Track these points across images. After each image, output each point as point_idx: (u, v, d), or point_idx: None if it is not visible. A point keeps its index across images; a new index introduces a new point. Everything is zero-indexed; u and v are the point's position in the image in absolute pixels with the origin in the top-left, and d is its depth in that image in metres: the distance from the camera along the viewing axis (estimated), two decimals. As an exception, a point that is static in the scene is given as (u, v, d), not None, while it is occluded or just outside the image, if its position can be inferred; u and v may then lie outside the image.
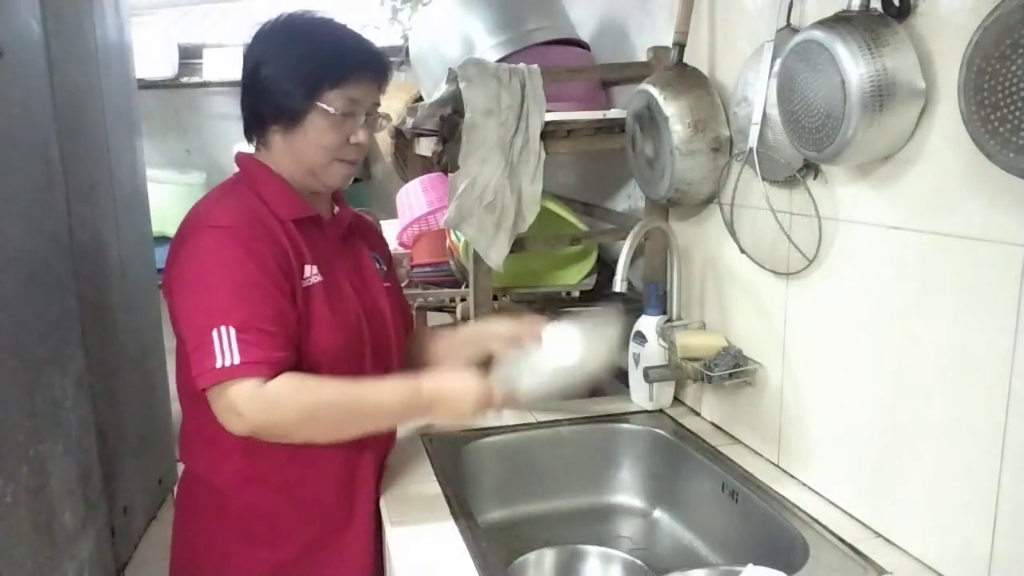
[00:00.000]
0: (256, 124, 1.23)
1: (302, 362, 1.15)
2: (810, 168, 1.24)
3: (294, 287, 1.15)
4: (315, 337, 1.17)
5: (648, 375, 1.55)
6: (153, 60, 2.77)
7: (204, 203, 1.20)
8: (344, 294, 1.23)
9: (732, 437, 1.53)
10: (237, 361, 1.05)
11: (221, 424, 1.09)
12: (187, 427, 1.28)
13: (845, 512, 1.23)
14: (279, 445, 1.14)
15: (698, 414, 1.65)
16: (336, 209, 1.33)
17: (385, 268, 1.39)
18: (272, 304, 1.10)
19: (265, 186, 1.21)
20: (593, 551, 1.33)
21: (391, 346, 1.32)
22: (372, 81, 1.21)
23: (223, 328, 1.06)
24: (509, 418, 1.55)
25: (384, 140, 2.53)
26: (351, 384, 1.12)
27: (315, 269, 1.19)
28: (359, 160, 1.25)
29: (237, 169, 1.27)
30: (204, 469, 1.26)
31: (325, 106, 1.16)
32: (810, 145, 1.12)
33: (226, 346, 1.05)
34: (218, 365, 1.05)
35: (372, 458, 1.32)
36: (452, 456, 1.45)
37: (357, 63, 1.19)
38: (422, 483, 1.36)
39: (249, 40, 1.21)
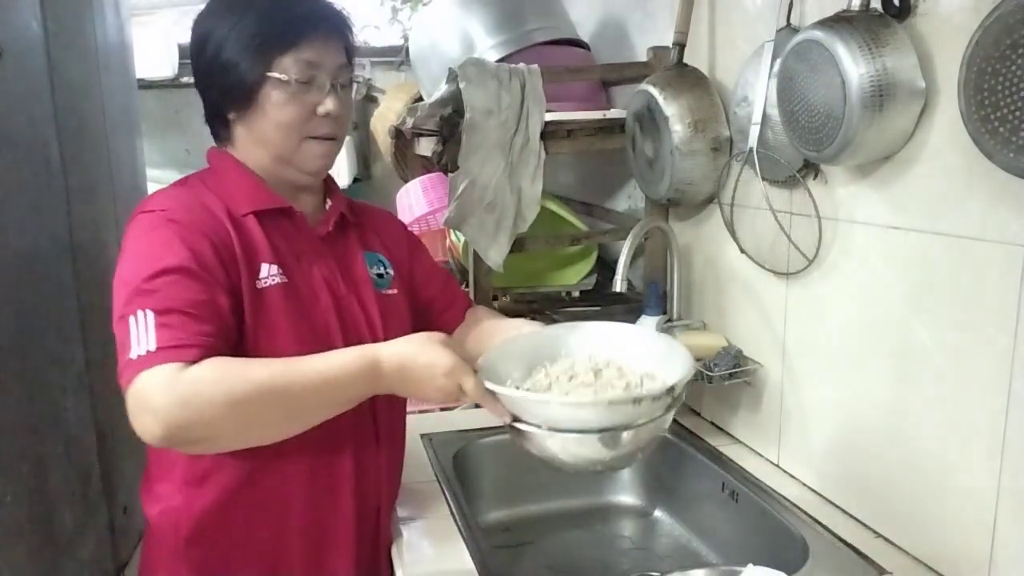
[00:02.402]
0: (214, 116, 1.10)
1: None
2: (810, 168, 1.24)
3: (236, 283, 0.99)
4: (267, 349, 0.98)
5: (648, 375, 1.55)
6: (153, 60, 2.77)
7: (145, 199, 1.06)
8: (315, 301, 1.06)
9: (732, 437, 1.53)
10: (153, 347, 0.86)
11: (140, 433, 0.86)
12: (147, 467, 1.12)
13: (845, 512, 1.23)
14: (231, 466, 1.02)
15: (698, 414, 1.65)
16: (329, 203, 1.18)
17: (391, 272, 1.20)
18: (202, 290, 0.93)
19: (223, 178, 1.08)
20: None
21: None
22: (330, 41, 1.06)
23: (140, 313, 0.88)
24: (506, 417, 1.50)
25: (384, 140, 2.52)
26: (289, 361, 0.90)
27: (275, 269, 1.03)
28: (339, 134, 1.10)
29: None
30: (153, 514, 1.09)
31: (278, 75, 1.01)
32: (810, 145, 1.12)
33: (143, 332, 0.87)
34: (132, 356, 0.86)
35: (349, 464, 1.12)
36: (452, 456, 1.45)
37: (309, 22, 1.04)
38: (422, 483, 1.36)
39: (193, 22, 1.08)
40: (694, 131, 1.43)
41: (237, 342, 0.97)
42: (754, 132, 1.30)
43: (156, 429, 0.83)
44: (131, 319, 0.88)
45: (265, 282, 1.02)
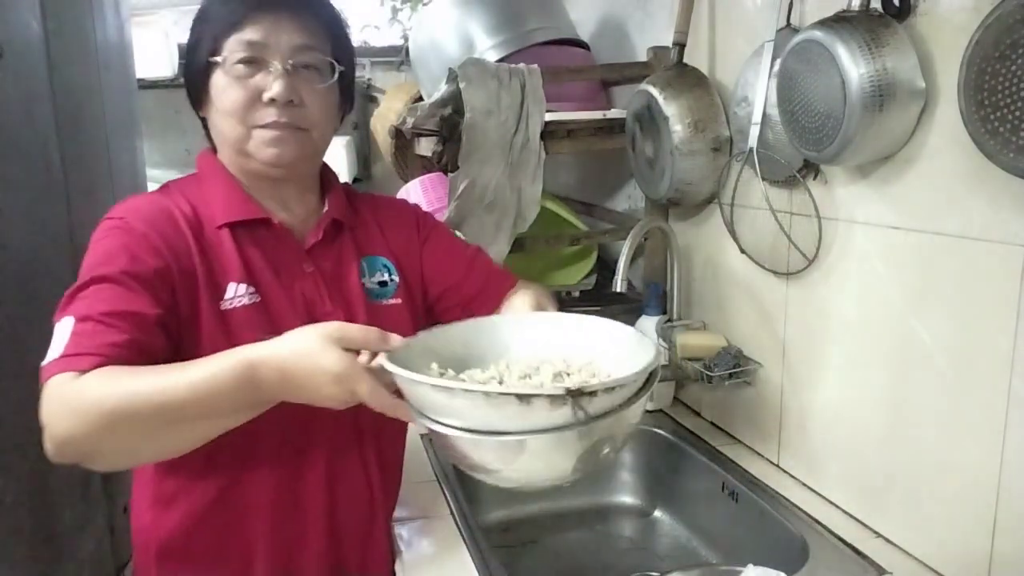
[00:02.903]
0: (199, 117, 1.05)
1: None
2: (810, 168, 1.24)
3: (188, 303, 0.93)
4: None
5: (648, 375, 1.54)
6: (153, 60, 2.77)
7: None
8: (287, 322, 0.95)
9: (732, 437, 1.53)
10: (57, 355, 0.81)
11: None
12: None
13: (845, 512, 1.23)
14: (199, 488, 0.98)
15: (698, 414, 1.64)
16: (325, 207, 1.08)
17: (396, 278, 1.11)
18: (127, 300, 0.86)
19: (203, 185, 1.02)
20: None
21: None
22: (282, 19, 0.96)
23: (64, 319, 0.84)
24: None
25: (384, 140, 2.52)
26: (173, 368, 0.81)
27: (245, 289, 0.96)
28: (296, 122, 0.98)
29: None
30: (132, 527, 1.06)
31: (218, 58, 0.96)
32: (810, 145, 1.12)
33: (59, 339, 0.82)
34: (44, 363, 0.82)
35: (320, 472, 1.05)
36: (452, 456, 1.45)
37: (252, 2, 0.96)
38: (422, 483, 1.36)
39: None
40: (694, 131, 1.43)
41: (168, 360, 0.87)
42: (754, 132, 1.30)
43: (47, 443, 0.79)
44: (57, 325, 0.84)
45: (231, 303, 0.95)
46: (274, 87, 0.95)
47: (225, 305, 0.95)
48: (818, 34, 1.05)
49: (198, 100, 1.02)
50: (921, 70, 1.01)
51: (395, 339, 0.83)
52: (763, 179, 1.31)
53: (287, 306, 0.99)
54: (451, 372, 0.87)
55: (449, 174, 1.63)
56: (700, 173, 1.46)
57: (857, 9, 1.04)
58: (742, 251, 1.41)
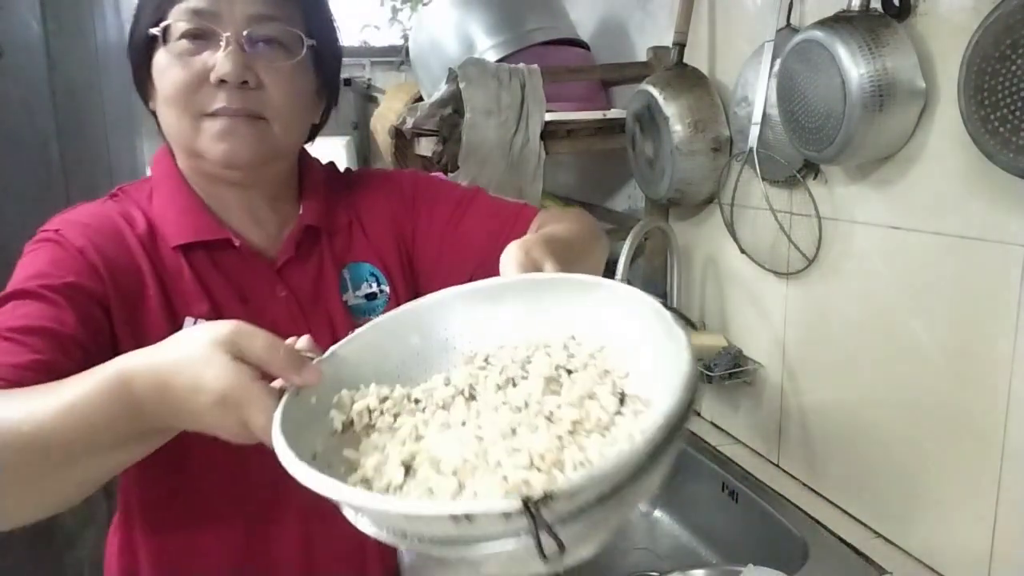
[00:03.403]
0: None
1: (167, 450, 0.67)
2: (810, 168, 1.24)
3: (116, 335, 0.77)
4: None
5: (648, 375, 1.54)
6: (153, 60, 2.77)
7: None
8: None
9: (732, 437, 1.53)
10: None
11: None
12: None
13: (845, 512, 1.23)
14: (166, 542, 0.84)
15: (698, 414, 1.65)
16: (300, 210, 0.91)
17: (385, 288, 0.92)
18: (43, 315, 0.71)
19: (157, 192, 0.86)
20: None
21: None
22: None
23: None
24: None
25: (384, 140, 2.52)
26: (41, 390, 0.61)
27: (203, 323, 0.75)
28: (250, 108, 0.80)
29: None
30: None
31: (156, 30, 0.79)
32: (810, 145, 1.12)
33: None
34: None
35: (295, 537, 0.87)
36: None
37: None
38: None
39: None
40: (694, 131, 1.43)
41: None
42: (754, 132, 1.30)
43: None
44: None
45: None
46: (222, 64, 0.77)
47: None
48: (818, 34, 1.05)
49: (143, 87, 0.85)
50: (921, 70, 1.01)
51: (308, 371, 0.57)
52: (763, 179, 1.31)
53: None
54: (398, 391, 0.60)
55: (449, 174, 1.63)
56: (700, 173, 1.46)
57: (857, 9, 1.04)
58: (742, 251, 1.41)
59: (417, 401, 0.60)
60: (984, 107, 0.87)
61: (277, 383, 0.57)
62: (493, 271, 0.82)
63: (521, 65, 1.63)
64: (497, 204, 0.97)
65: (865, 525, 1.19)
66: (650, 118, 1.49)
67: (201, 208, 0.85)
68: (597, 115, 1.69)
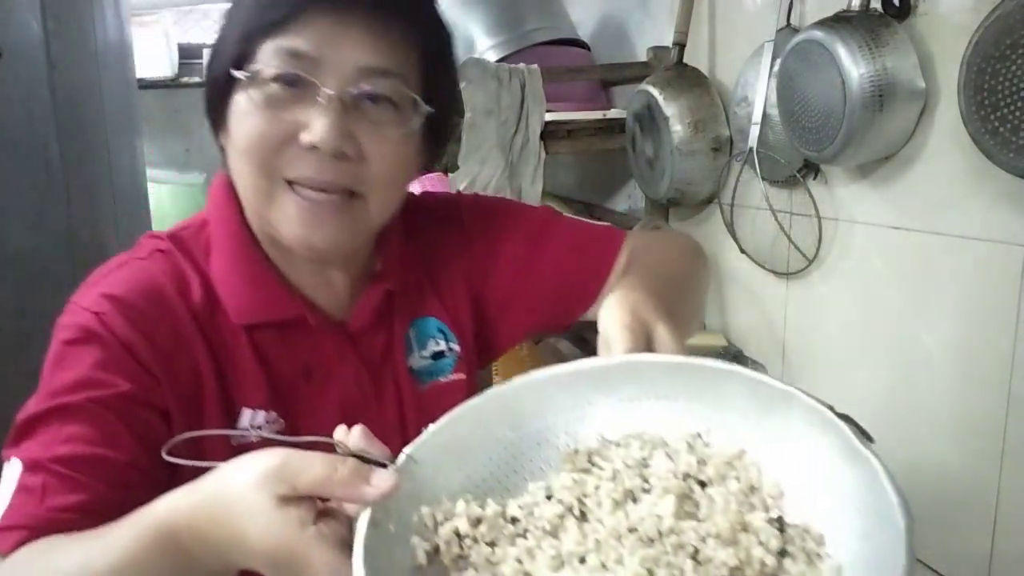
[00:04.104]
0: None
1: None
2: (810, 168, 1.24)
3: (172, 428, 0.65)
4: None
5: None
6: (153, 60, 2.77)
7: (106, 267, 0.71)
8: (328, 446, 0.56)
9: (732, 437, 1.53)
10: None
11: None
12: None
13: (845, 512, 1.23)
14: None
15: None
16: (378, 266, 0.76)
17: (455, 346, 0.79)
18: (97, 442, 0.61)
19: (218, 250, 0.71)
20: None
21: None
22: (344, 21, 0.63)
23: (14, 459, 0.62)
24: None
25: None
26: (88, 547, 0.53)
27: (265, 416, 0.69)
28: (346, 184, 0.65)
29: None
30: None
31: (241, 73, 0.64)
32: (810, 145, 1.12)
33: (6, 489, 0.60)
34: None
35: None
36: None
37: None
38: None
39: None
40: (694, 131, 1.43)
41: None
42: (754, 132, 1.30)
43: None
44: (6, 465, 0.62)
45: (245, 437, 0.67)
46: (317, 126, 0.62)
47: (237, 439, 0.68)
48: (818, 34, 1.05)
49: (216, 122, 0.70)
50: (921, 70, 1.01)
51: (379, 477, 0.46)
52: (763, 179, 1.31)
53: (321, 423, 0.62)
54: (490, 507, 0.48)
55: (449, 174, 1.63)
56: (700, 173, 1.46)
57: (857, 9, 1.04)
58: (742, 251, 1.41)
59: (515, 521, 0.48)
60: (984, 107, 0.87)
61: (350, 507, 0.46)
62: (574, 308, 0.76)
63: (521, 65, 1.63)
64: (578, 232, 0.82)
65: (865, 525, 1.19)
66: (650, 118, 1.49)
67: (271, 278, 0.71)
68: (597, 115, 1.69)
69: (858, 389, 1.19)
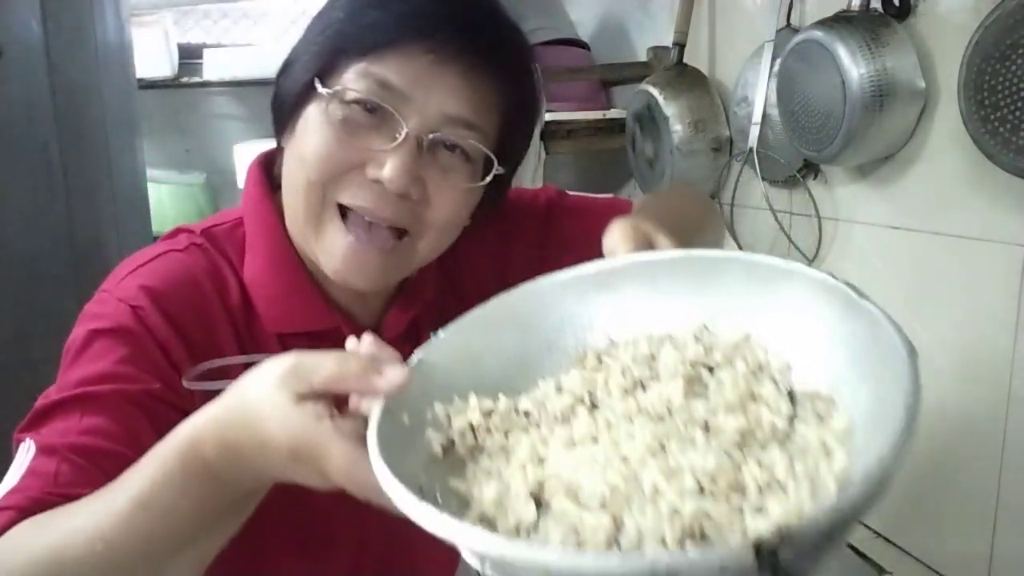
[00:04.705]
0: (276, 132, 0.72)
1: (241, 554, 0.61)
2: (810, 168, 1.24)
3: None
4: (249, 545, 0.63)
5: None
6: (153, 60, 2.77)
7: (141, 255, 0.69)
8: None
9: (732, 437, 1.53)
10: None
11: None
12: None
13: (845, 512, 1.23)
14: None
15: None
16: (411, 278, 0.74)
17: None
18: (119, 438, 0.60)
19: (254, 250, 0.70)
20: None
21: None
22: (443, 66, 0.62)
23: (28, 441, 0.60)
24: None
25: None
26: (102, 494, 0.53)
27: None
28: (401, 223, 0.65)
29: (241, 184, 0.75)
30: None
31: (325, 90, 0.62)
32: (810, 145, 1.12)
33: (14, 471, 0.59)
34: None
35: None
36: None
37: (412, 21, 0.62)
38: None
39: None
40: (694, 131, 1.43)
41: None
42: (754, 132, 1.30)
43: None
44: (21, 445, 0.61)
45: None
46: (390, 167, 0.61)
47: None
48: (818, 34, 1.05)
49: (280, 122, 0.69)
50: (921, 70, 1.01)
51: (390, 370, 0.47)
52: (763, 179, 1.31)
53: None
54: (502, 402, 0.49)
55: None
56: (700, 173, 1.46)
57: (857, 9, 1.04)
58: (742, 251, 1.41)
59: (527, 414, 0.49)
60: (984, 107, 0.87)
61: (364, 405, 0.47)
62: None
63: (521, 65, 1.63)
64: (585, 203, 0.84)
65: (865, 525, 1.19)
66: (650, 118, 1.49)
67: (309, 288, 0.70)
68: (597, 115, 1.70)
69: (858, 389, 1.19)
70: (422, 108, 0.62)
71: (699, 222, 0.77)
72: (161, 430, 0.57)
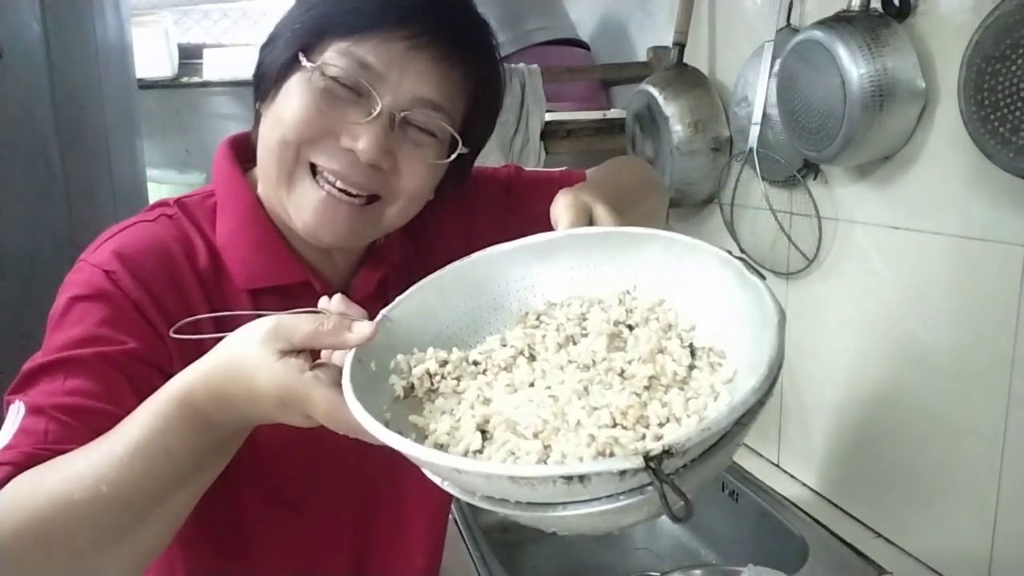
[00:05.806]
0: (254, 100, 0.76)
1: (220, 517, 0.73)
2: (810, 168, 1.24)
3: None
4: (241, 494, 0.74)
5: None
6: (153, 60, 2.77)
7: (115, 227, 0.75)
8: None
9: (732, 437, 1.53)
10: None
11: None
12: None
13: (845, 512, 1.23)
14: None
15: (698, 414, 1.65)
16: (379, 241, 0.81)
17: None
18: (101, 396, 0.64)
19: (224, 213, 0.75)
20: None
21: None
22: (416, 55, 0.68)
23: (17, 403, 0.64)
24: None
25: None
26: (100, 442, 0.58)
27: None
28: (370, 189, 0.70)
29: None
30: None
31: (308, 63, 0.68)
32: (810, 145, 1.12)
33: (7, 430, 0.63)
34: None
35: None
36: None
37: (391, 8, 0.68)
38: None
39: None
40: (694, 131, 1.43)
41: None
42: (754, 132, 1.30)
43: None
44: (11, 406, 0.65)
45: (246, 320, 0.68)
46: (363, 139, 0.67)
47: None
48: (818, 34, 1.05)
49: (262, 89, 0.73)
50: (921, 70, 1.01)
51: (358, 326, 0.55)
52: (763, 179, 1.31)
53: None
54: (455, 354, 0.58)
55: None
56: (700, 173, 1.46)
57: (857, 9, 1.04)
58: (742, 251, 1.41)
59: (476, 363, 0.58)
60: (984, 107, 0.87)
61: (336, 356, 0.56)
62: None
63: (521, 65, 1.63)
64: (541, 176, 0.92)
65: (865, 525, 1.19)
66: (650, 118, 1.49)
67: (278, 244, 0.74)
68: (597, 115, 1.70)
69: (858, 389, 1.19)
70: (396, 88, 0.68)
71: (637, 193, 0.85)
72: (138, 386, 0.65)
